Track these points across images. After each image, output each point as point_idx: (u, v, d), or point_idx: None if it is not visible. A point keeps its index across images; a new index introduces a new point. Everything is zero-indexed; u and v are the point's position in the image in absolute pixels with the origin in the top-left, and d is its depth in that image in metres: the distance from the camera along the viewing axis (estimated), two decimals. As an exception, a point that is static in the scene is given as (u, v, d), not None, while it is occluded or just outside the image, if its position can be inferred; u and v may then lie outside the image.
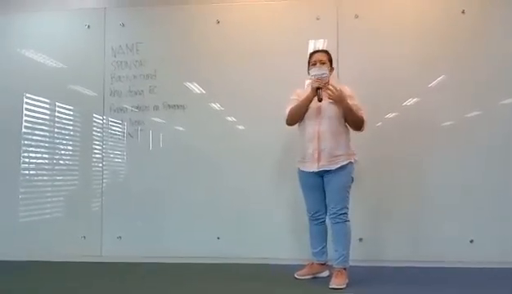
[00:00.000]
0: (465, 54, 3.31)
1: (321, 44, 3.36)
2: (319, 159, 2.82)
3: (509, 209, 3.23)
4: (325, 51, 2.96)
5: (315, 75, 2.81)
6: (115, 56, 3.62)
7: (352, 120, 2.81)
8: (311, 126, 2.85)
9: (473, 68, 3.30)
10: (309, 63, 2.92)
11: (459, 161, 3.29)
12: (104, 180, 3.61)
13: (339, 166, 2.80)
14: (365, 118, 2.82)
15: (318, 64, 2.85)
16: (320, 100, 2.78)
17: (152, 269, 3.26)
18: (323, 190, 2.89)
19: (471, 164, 3.28)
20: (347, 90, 2.83)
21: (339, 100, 2.76)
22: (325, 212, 2.93)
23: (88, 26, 3.67)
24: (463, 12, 3.32)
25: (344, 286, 2.73)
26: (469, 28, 3.32)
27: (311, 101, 2.82)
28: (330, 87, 2.75)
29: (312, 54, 2.95)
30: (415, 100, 3.36)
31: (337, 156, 2.80)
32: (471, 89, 3.30)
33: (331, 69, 2.92)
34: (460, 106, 3.32)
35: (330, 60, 2.92)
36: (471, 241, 3.23)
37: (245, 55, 3.50)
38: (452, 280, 2.92)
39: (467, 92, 3.30)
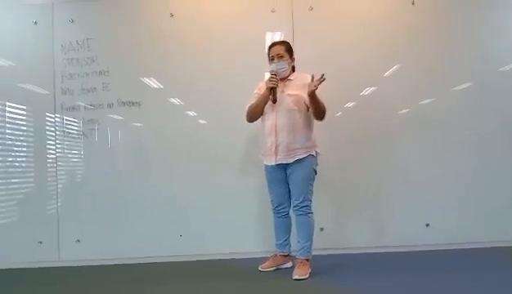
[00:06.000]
0: (417, 43, 3.39)
1: (277, 36, 3.33)
2: (276, 153, 2.83)
3: (461, 194, 3.36)
4: (283, 43, 2.93)
5: (271, 71, 2.80)
6: (65, 53, 3.48)
7: (317, 108, 2.76)
8: (269, 119, 2.85)
9: (425, 57, 3.38)
10: (268, 56, 2.90)
11: (415, 148, 3.39)
12: (59, 182, 3.49)
13: (295, 159, 2.81)
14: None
15: (276, 59, 2.84)
16: (274, 101, 2.78)
17: (114, 272, 3.19)
18: (287, 184, 2.90)
19: (426, 151, 3.38)
20: (308, 78, 2.79)
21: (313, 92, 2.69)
22: (289, 205, 2.95)
23: (35, 22, 3.50)
24: (413, 4, 3.40)
25: (307, 276, 2.78)
26: (420, 18, 3.40)
27: (267, 101, 2.82)
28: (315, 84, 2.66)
29: (270, 47, 2.93)
30: (371, 89, 3.42)
31: (294, 149, 2.80)
32: (424, 77, 3.38)
33: (292, 59, 2.90)
34: (415, 94, 3.41)
35: (289, 50, 2.90)
36: (427, 225, 3.35)
37: (201, 48, 3.44)
38: (410, 263, 3.02)
39: (420, 81, 3.38)
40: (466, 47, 3.41)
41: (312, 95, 2.69)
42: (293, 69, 2.94)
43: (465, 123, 3.38)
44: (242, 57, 3.38)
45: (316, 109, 2.77)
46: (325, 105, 2.79)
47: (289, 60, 2.87)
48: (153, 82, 3.50)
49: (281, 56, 2.84)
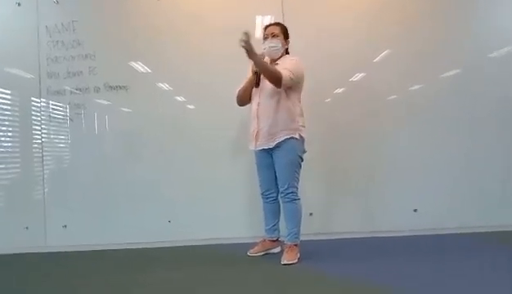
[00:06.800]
0: (407, 30, 3.36)
1: (267, 20, 3.26)
2: (257, 138, 2.83)
3: (451, 179, 3.37)
4: (279, 24, 2.92)
5: (264, 48, 2.78)
6: (50, 36, 3.42)
7: (267, 75, 2.69)
8: (253, 104, 2.87)
9: (415, 43, 3.36)
10: (263, 36, 2.88)
11: (404, 133, 3.38)
12: (45, 167, 3.44)
13: (275, 143, 2.79)
14: (287, 76, 2.66)
15: (270, 38, 2.83)
16: (256, 85, 2.78)
17: (101, 257, 3.17)
18: (274, 169, 2.88)
19: (416, 136, 3.38)
20: (289, 59, 2.80)
21: (248, 50, 2.56)
22: (277, 191, 2.93)
23: (19, 4, 3.43)
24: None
25: (296, 261, 2.77)
26: (410, 5, 3.37)
27: (253, 84, 2.81)
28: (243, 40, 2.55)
29: (265, 27, 2.92)
30: (361, 74, 3.41)
31: (274, 133, 2.78)
32: (414, 63, 3.37)
33: (286, 41, 2.88)
34: (404, 80, 3.40)
35: (285, 32, 2.88)
36: (415, 210, 3.37)
37: (189, 32, 3.40)
38: (400, 248, 3.03)
39: (410, 67, 3.37)
40: (456, 34, 3.39)
41: (250, 58, 2.61)
42: (286, 54, 2.91)
43: (455, 109, 3.37)
44: (231, 42, 3.29)
45: (263, 73, 2.71)
46: (285, 72, 2.67)
47: (283, 42, 2.85)
48: (140, 66, 3.45)
49: (276, 35, 2.83)
